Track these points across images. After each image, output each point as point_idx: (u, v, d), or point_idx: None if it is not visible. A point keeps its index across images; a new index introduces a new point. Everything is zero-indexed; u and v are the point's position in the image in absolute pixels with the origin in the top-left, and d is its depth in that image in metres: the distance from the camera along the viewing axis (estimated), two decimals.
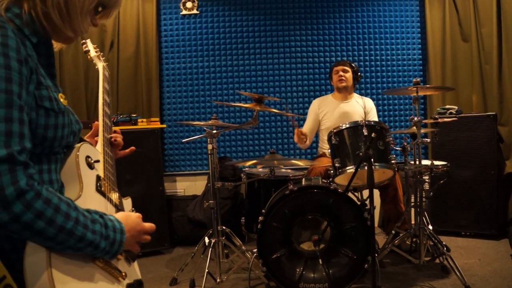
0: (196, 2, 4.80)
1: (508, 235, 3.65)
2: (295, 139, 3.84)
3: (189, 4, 4.79)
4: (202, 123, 3.50)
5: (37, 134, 1.07)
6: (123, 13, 4.61)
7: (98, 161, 1.32)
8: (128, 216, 1.24)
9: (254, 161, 3.16)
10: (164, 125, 4.72)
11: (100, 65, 1.68)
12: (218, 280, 3.07)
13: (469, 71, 4.63)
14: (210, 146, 3.16)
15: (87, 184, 1.21)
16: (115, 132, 1.61)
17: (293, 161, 3.34)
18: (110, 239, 1.12)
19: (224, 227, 3.30)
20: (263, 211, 2.90)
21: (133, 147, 1.68)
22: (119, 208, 1.37)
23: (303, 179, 3.10)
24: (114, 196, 1.37)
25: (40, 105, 1.07)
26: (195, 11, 4.80)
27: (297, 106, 4.86)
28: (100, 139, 1.44)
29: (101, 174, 1.32)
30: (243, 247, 3.34)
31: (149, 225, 1.30)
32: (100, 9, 1.25)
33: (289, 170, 3.78)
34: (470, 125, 4.14)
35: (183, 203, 4.54)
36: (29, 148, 1.00)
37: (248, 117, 4.84)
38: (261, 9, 4.85)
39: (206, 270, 3.03)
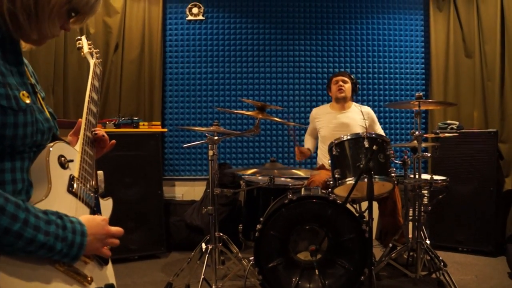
0: (202, 8, 4.82)
1: (506, 253, 3.63)
2: (297, 157, 3.88)
3: (195, 10, 4.81)
4: (203, 128, 3.50)
5: None
6: (129, 16, 4.64)
7: (72, 160, 1.27)
8: (93, 219, 1.21)
9: (254, 170, 3.15)
10: (165, 129, 4.72)
11: (92, 62, 1.66)
12: (213, 286, 3.06)
13: (471, 87, 4.65)
14: (210, 152, 3.15)
15: (58, 184, 1.18)
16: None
17: (293, 171, 3.33)
18: (68, 240, 1.08)
19: (221, 234, 3.28)
20: (261, 219, 2.90)
21: (113, 141, 1.61)
22: (94, 209, 1.33)
23: (303, 189, 3.10)
24: (89, 196, 1.32)
25: None
26: (200, 17, 4.82)
27: (298, 115, 4.87)
28: (80, 137, 1.40)
29: (76, 174, 1.27)
30: (239, 255, 3.33)
31: (115, 229, 1.28)
32: (73, 14, 1.22)
33: (288, 179, 3.78)
34: (471, 141, 4.14)
35: (181, 208, 4.53)
36: None
37: (249, 124, 4.84)
38: (266, 18, 4.87)
39: (202, 276, 3.02)
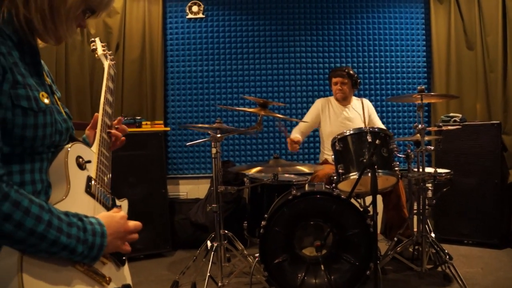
0: (202, 6, 4.81)
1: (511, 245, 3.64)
2: (289, 147, 3.86)
3: (195, 8, 4.81)
4: (206, 126, 3.51)
5: (15, 134, 1.04)
6: (129, 16, 4.64)
7: (89, 161, 1.28)
8: (112, 217, 1.21)
9: (258, 168, 3.15)
10: (168, 128, 4.73)
11: (106, 63, 1.65)
12: (219, 284, 3.07)
13: (473, 79, 4.64)
14: (214, 150, 3.16)
15: (76, 185, 1.19)
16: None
17: (297, 167, 3.34)
18: (89, 243, 1.09)
19: (226, 231, 3.30)
20: (266, 215, 2.91)
21: (123, 138, 1.60)
22: (110, 209, 1.33)
23: (307, 185, 3.10)
24: (106, 197, 1.33)
25: (16, 105, 1.04)
26: (201, 15, 4.82)
27: (301, 111, 4.86)
28: (97, 138, 1.40)
29: (93, 175, 1.28)
30: (245, 252, 3.34)
31: (133, 224, 1.28)
32: (88, 13, 1.22)
33: (292, 176, 3.79)
34: (474, 133, 4.14)
35: (186, 206, 4.55)
36: None
37: (252, 121, 4.85)
38: (266, 14, 4.86)
39: (208, 274, 3.04)
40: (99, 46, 1.73)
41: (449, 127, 3.63)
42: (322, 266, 2.83)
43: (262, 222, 2.86)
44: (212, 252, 3.14)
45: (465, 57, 4.69)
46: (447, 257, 3.18)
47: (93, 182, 1.26)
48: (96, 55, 1.72)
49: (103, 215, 1.21)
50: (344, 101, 4.09)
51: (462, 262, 3.72)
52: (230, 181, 4.31)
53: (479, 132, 4.13)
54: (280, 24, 4.87)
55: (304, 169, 3.25)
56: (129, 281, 1.37)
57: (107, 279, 1.20)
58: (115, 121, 1.56)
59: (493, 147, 4.08)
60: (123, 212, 1.29)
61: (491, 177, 4.07)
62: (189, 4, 4.80)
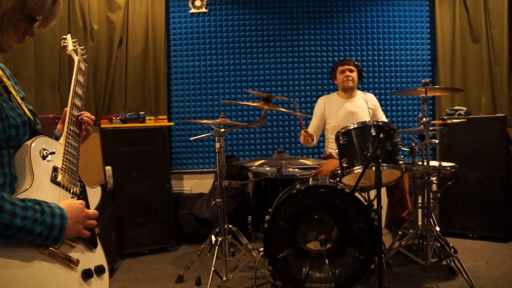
0: (205, 0, 4.80)
1: None
2: (301, 140, 3.84)
3: (198, 3, 4.80)
4: (209, 121, 3.51)
5: None
6: (132, 11, 4.64)
7: (53, 152, 1.35)
8: (72, 203, 1.30)
9: (262, 161, 3.16)
10: (172, 123, 4.74)
11: (76, 58, 1.70)
12: (224, 278, 3.09)
13: (478, 72, 4.61)
14: (217, 145, 3.17)
15: (40, 175, 1.27)
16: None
17: (301, 161, 3.34)
18: (47, 223, 1.17)
19: (230, 226, 3.31)
20: (270, 210, 2.91)
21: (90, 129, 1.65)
22: (79, 196, 1.41)
23: (311, 179, 3.10)
24: (73, 186, 1.40)
25: None
26: (203, 10, 4.81)
27: (304, 105, 4.86)
28: (64, 131, 1.47)
29: (59, 165, 1.35)
30: (249, 246, 3.35)
31: (92, 211, 1.38)
32: (34, 21, 1.25)
33: (296, 170, 3.78)
34: (479, 126, 4.12)
35: (190, 201, 4.56)
36: None
37: (256, 116, 4.84)
38: (269, 8, 4.85)
39: (212, 268, 3.05)
40: (69, 42, 1.77)
41: (454, 120, 3.62)
42: (326, 260, 2.84)
43: (267, 217, 2.87)
44: (217, 247, 3.16)
45: (470, 49, 4.66)
46: (452, 250, 3.18)
47: (59, 171, 1.34)
48: (67, 51, 1.76)
49: (62, 202, 1.29)
50: (351, 91, 4.07)
51: (467, 255, 3.71)
52: (234, 175, 4.31)
53: (484, 125, 4.11)
54: (283, 18, 4.85)
55: (308, 163, 3.25)
56: (102, 262, 1.43)
57: (75, 260, 1.27)
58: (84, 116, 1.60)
59: (499, 140, 4.06)
60: (81, 200, 1.37)
61: (497, 170, 4.06)
62: None
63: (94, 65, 4.50)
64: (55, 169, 1.33)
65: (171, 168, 4.68)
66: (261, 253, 2.99)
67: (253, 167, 3.68)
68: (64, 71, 3.91)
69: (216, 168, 3.27)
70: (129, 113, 4.15)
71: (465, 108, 4.28)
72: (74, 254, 1.28)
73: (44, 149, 1.32)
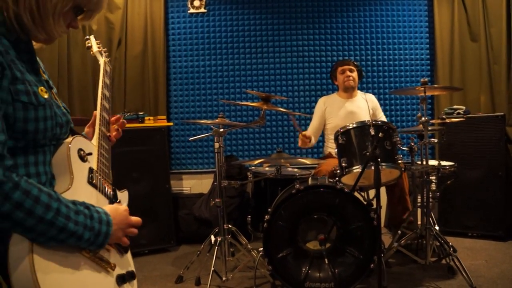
0: (204, 0, 4.81)
1: None
2: (300, 143, 3.85)
3: (196, 3, 4.80)
4: (209, 121, 3.51)
5: (17, 127, 1.09)
6: (131, 11, 4.64)
7: (90, 153, 1.34)
8: (116, 209, 1.28)
9: (261, 160, 3.16)
10: (171, 123, 4.73)
11: (102, 60, 1.72)
12: (223, 278, 3.09)
13: (477, 71, 4.62)
14: (217, 145, 3.17)
15: (79, 176, 1.25)
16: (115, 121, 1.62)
17: (300, 160, 3.34)
18: (95, 230, 1.15)
19: (230, 226, 3.31)
20: (269, 210, 2.91)
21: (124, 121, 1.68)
22: (112, 200, 1.40)
23: (310, 178, 3.10)
24: (108, 188, 1.39)
25: (16, 99, 1.08)
26: (202, 10, 4.81)
27: (303, 105, 4.86)
28: (96, 132, 1.46)
29: (94, 167, 1.34)
30: (249, 246, 3.35)
31: (135, 219, 1.36)
32: (79, 13, 1.26)
33: (295, 169, 3.79)
34: (478, 125, 4.12)
35: (189, 201, 4.56)
36: (3, 140, 1.02)
37: (255, 116, 4.85)
38: (268, 8, 4.85)
39: (212, 268, 3.05)
40: (94, 43, 1.78)
41: (453, 120, 3.62)
42: (326, 260, 2.84)
43: (266, 216, 2.87)
44: (216, 247, 3.16)
45: (469, 48, 4.67)
46: (451, 249, 3.18)
47: (95, 173, 1.33)
48: (92, 53, 1.78)
49: (109, 206, 1.28)
50: (352, 90, 4.07)
51: (467, 254, 3.72)
52: (233, 175, 4.31)
53: (483, 124, 4.11)
54: (282, 18, 4.86)
55: (307, 162, 3.25)
56: (132, 268, 1.43)
57: (112, 265, 1.26)
58: (113, 118, 1.62)
59: (497, 139, 4.06)
60: (126, 206, 1.36)
61: (496, 169, 4.06)
62: None
63: (93, 65, 4.50)
64: (91, 171, 1.31)
65: (171, 168, 4.68)
66: (261, 253, 2.99)
67: (253, 167, 3.69)
68: (63, 72, 3.91)
69: (215, 168, 3.27)
70: (128, 113, 4.15)
71: (464, 107, 4.28)
72: (111, 259, 1.27)
73: (81, 150, 1.30)
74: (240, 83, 4.85)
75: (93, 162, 1.35)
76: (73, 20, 1.26)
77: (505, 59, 4.32)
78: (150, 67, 4.68)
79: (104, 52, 1.76)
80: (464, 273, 2.98)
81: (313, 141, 4.04)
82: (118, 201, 1.43)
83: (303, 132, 3.82)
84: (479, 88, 4.61)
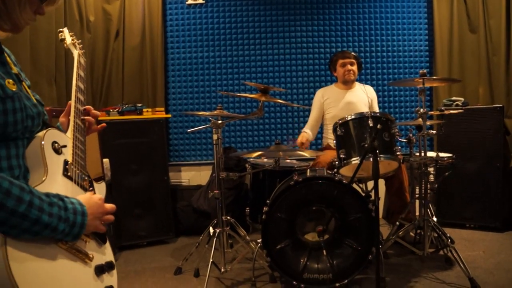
0: None
1: None
2: (298, 145, 3.87)
3: None
4: (207, 113, 3.50)
5: None
6: (128, 2, 4.61)
7: (65, 146, 1.34)
8: (90, 198, 1.29)
9: (260, 153, 3.16)
10: (169, 115, 4.73)
11: (76, 52, 1.69)
12: (222, 269, 3.09)
13: (476, 63, 4.62)
14: (215, 136, 3.17)
15: (53, 168, 1.25)
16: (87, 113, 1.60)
17: (298, 152, 3.34)
18: (70, 221, 1.16)
19: (228, 217, 3.31)
20: (268, 201, 2.92)
21: (104, 124, 1.69)
22: (89, 191, 1.40)
23: (308, 170, 3.10)
24: (84, 180, 1.39)
25: None
26: (200, 1, 4.79)
27: (302, 96, 4.86)
28: (71, 124, 1.46)
29: (70, 159, 1.34)
30: (247, 237, 3.36)
31: (110, 206, 1.37)
32: None
33: (294, 161, 3.79)
34: (477, 117, 4.12)
35: (188, 193, 4.57)
36: None
37: (253, 107, 4.84)
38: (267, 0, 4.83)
39: (211, 260, 3.05)
40: (67, 36, 1.76)
41: (451, 111, 3.61)
42: (324, 251, 2.85)
43: (264, 208, 2.87)
44: (215, 238, 3.16)
45: (468, 40, 4.66)
46: (449, 240, 3.19)
47: (70, 165, 1.33)
48: (65, 45, 1.75)
49: (83, 196, 1.29)
50: (351, 83, 4.08)
51: (464, 245, 3.74)
52: (232, 167, 4.31)
53: (481, 116, 4.12)
54: (280, 9, 4.83)
55: (306, 154, 3.25)
56: (111, 258, 1.43)
57: (91, 256, 1.28)
58: (86, 108, 1.59)
59: (496, 131, 4.07)
60: (100, 195, 1.38)
61: (494, 161, 4.07)
62: None
63: (91, 57, 4.48)
64: (66, 163, 1.31)
65: (169, 160, 4.68)
66: (259, 244, 3.00)
67: (251, 159, 3.68)
68: (61, 64, 3.88)
69: (213, 159, 3.27)
70: (126, 105, 4.14)
71: (462, 99, 4.28)
72: (88, 249, 1.28)
73: (56, 142, 1.30)
74: (239, 74, 4.83)
75: (68, 154, 1.35)
76: (39, 6, 1.25)
77: (504, 51, 4.31)
78: (148, 59, 4.66)
79: (78, 44, 1.74)
80: (461, 264, 2.99)
81: (311, 137, 4.04)
82: (92, 190, 1.43)
83: (298, 140, 3.84)
84: (478, 80, 4.60)
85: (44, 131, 1.27)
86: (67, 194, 1.23)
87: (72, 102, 1.51)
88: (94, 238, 1.34)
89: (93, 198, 1.31)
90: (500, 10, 4.32)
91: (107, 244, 1.43)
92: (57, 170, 1.27)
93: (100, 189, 1.53)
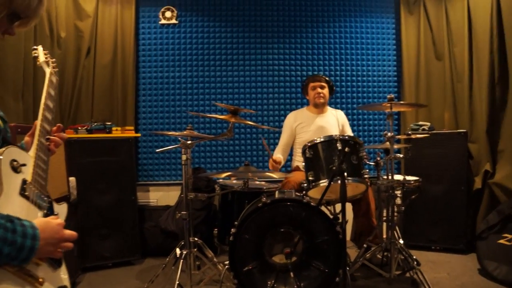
0: (176, 12, 4.79)
1: (476, 250, 3.71)
2: (270, 166, 3.86)
3: (168, 14, 4.78)
4: (177, 133, 3.48)
5: None
6: (101, 20, 4.58)
7: (24, 165, 1.30)
8: (48, 223, 1.24)
9: (229, 173, 3.14)
10: (139, 134, 4.68)
11: (48, 70, 1.66)
12: None
13: (442, 89, 4.73)
14: (184, 157, 3.14)
15: (10, 187, 1.21)
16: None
17: (267, 174, 3.34)
18: (17, 244, 1.10)
19: (196, 239, 3.27)
20: (236, 223, 2.89)
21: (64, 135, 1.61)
22: (47, 213, 1.36)
23: (277, 192, 3.10)
24: (42, 200, 1.35)
25: None
26: (174, 21, 4.80)
27: (273, 118, 4.88)
28: (34, 143, 1.42)
29: (29, 178, 1.30)
30: (214, 259, 3.32)
31: (69, 233, 1.32)
32: (15, 20, 1.23)
33: (263, 183, 3.78)
34: (442, 141, 4.23)
35: (156, 213, 4.49)
36: None
37: (223, 128, 4.83)
38: (239, 22, 4.87)
39: (177, 282, 3.00)
40: (41, 53, 1.73)
41: (418, 136, 3.68)
42: (291, 274, 2.83)
43: (232, 230, 2.84)
44: (182, 260, 3.11)
45: (434, 67, 4.79)
46: (415, 263, 3.23)
47: (28, 185, 1.28)
48: (38, 63, 1.72)
49: (40, 220, 1.24)
50: (322, 107, 4.12)
51: (430, 267, 3.77)
52: (201, 188, 4.28)
53: (446, 140, 4.22)
54: (252, 32, 4.88)
55: (275, 176, 3.25)
56: (66, 282, 1.38)
57: (40, 280, 1.22)
58: (55, 128, 1.57)
59: (460, 155, 4.18)
60: (61, 220, 1.32)
61: (458, 184, 4.16)
62: (162, 10, 4.78)
63: (61, 73, 4.40)
64: (24, 182, 1.27)
65: (137, 179, 4.61)
66: (227, 266, 2.96)
67: (220, 180, 3.66)
68: (29, 79, 3.81)
69: (182, 180, 3.23)
70: (95, 123, 4.08)
71: (428, 124, 4.39)
72: (40, 273, 1.22)
73: (15, 161, 1.26)
74: (210, 95, 4.83)
75: (27, 173, 1.31)
76: (9, 27, 1.23)
77: (467, 78, 4.42)
78: (119, 77, 4.61)
79: (52, 62, 1.71)
80: (427, 286, 3.02)
81: (282, 162, 4.05)
82: (55, 214, 1.40)
83: (274, 157, 3.84)
84: (443, 105, 4.71)
85: (3, 149, 1.23)
86: (21, 214, 1.19)
87: (39, 120, 1.48)
88: (48, 261, 1.29)
89: (51, 223, 1.25)
90: (463, 38, 4.44)
91: (63, 268, 1.39)
92: (13, 189, 1.23)
93: (61, 210, 1.49)
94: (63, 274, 1.38)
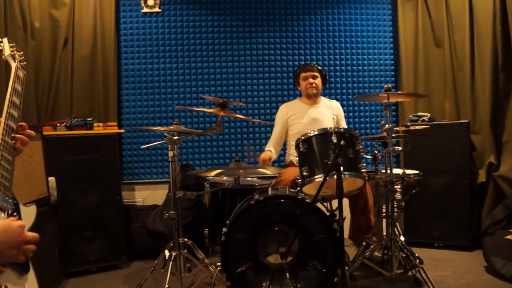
0: None
1: (482, 247, 3.74)
2: (260, 163, 3.88)
3: (150, 2, 4.76)
4: (162, 128, 3.47)
5: None
6: (78, 8, 4.54)
7: None
8: (8, 225, 1.24)
9: (219, 170, 3.15)
10: (123, 130, 4.66)
11: (14, 65, 1.66)
12: None
13: (442, 78, 4.75)
14: (171, 153, 3.14)
15: None
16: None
17: (260, 170, 3.34)
18: None
19: (186, 239, 3.27)
20: (227, 222, 2.90)
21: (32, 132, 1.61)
22: (13, 215, 1.35)
23: (270, 189, 3.10)
24: (6, 203, 1.35)
25: None
26: (157, 9, 4.78)
27: (264, 111, 4.89)
28: None
29: None
30: (206, 261, 3.32)
31: (31, 235, 1.30)
32: None
33: (255, 179, 3.79)
34: (443, 133, 4.24)
35: (143, 214, 4.48)
36: None
37: (212, 122, 4.83)
38: (226, 9, 4.86)
39: (167, 286, 3.00)
40: (6, 46, 1.72)
41: (417, 127, 3.68)
42: (287, 274, 2.83)
43: (224, 229, 2.85)
44: (171, 262, 3.11)
45: (433, 55, 4.80)
46: (418, 261, 3.24)
47: None
48: (3, 56, 1.71)
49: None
50: (315, 97, 4.13)
51: (433, 265, 3.80)
52: (189, 186, 4.27)
53: (448, 131, 4.24)
54: (241, 20, 4.87)
55: (268, 172, 3.26)
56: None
57: (3, 287, 1.22)
58: (20, 127, 1.56)
59: (462, 147, 4.20)
60: (21, 221, 1.31)
61: (461, 177, 4.18)
62: None
63: (36, 66, 4.37)
64: None
65: (122, 178, 4.59)
66: (219, 268, 2.97)
67: (210, 177, 3.66)
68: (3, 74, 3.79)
69: (170, 178, 3.23)
70: (75, 119, 4.06)
71: (428, 114, 4.40)
72: (1, 280, 1.22)
73: None
74: (197, 87, 4.82)
75: None
76: None
77: (469, 66, 4.42)
78: (100, 70, 4.58)
79: (19, 56, 1.70)
80: (430, 285, 3.05)
81: (274, 156, 4.06)
82: (15, 215, 1.38)
83: (262, 156, 3.85)
84: (444, 95, 4.73)
85: None
86: None
87: (3, 118, 1.47)
88: (13, 266, 1.29)
89: (12, 225, 1.25)
90: (464, 24, 4.44)
91: (31, 274, 1.38)
92: None
93: (29, 213, 1.48)
94: (31, 280, 1.37)
